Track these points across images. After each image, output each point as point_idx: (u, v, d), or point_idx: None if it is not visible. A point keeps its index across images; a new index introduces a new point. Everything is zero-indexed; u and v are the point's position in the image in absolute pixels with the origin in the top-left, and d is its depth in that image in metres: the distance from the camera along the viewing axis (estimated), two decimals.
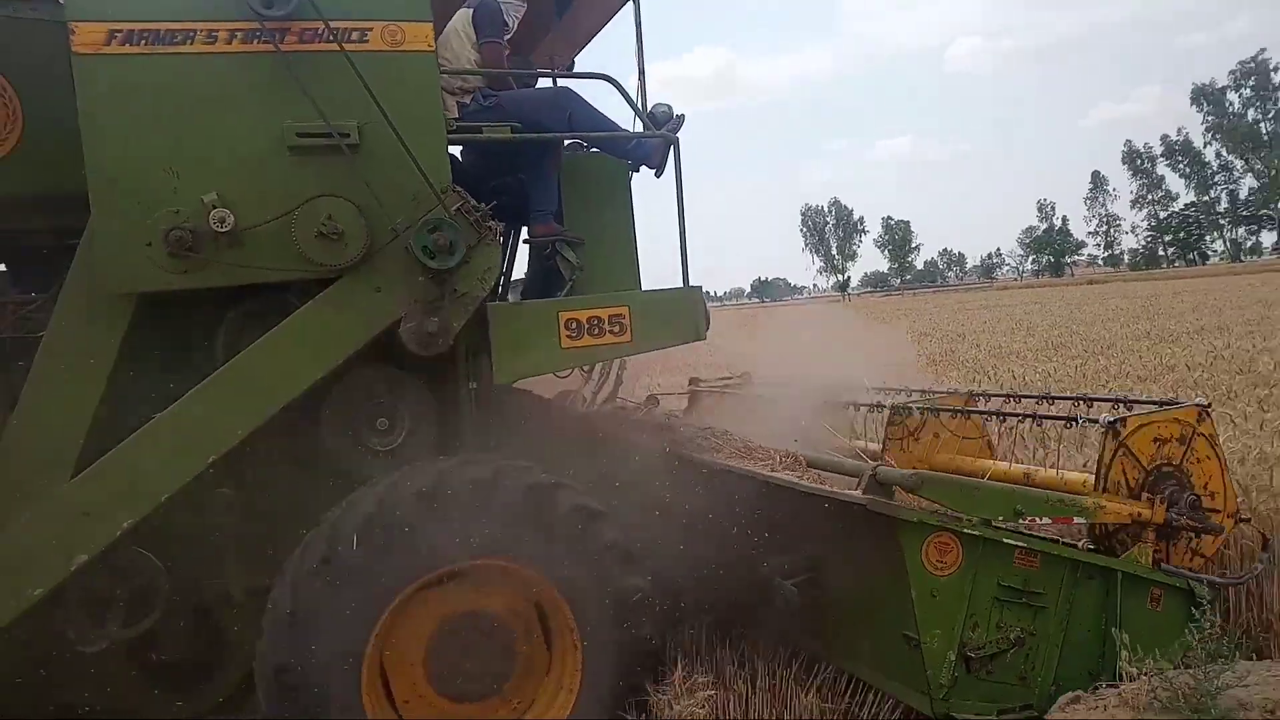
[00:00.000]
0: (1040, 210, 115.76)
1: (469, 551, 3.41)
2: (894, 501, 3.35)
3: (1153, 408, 4.05)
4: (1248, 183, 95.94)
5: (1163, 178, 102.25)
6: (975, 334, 20.20)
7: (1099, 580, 3.54)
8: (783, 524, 3.74)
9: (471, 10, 4.12)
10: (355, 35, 3.49)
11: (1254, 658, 3.78)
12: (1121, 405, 4.31)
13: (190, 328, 3.64)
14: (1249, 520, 4.23)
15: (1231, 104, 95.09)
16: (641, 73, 4.34)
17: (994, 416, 4.73)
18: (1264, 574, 4.15)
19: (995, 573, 3.40)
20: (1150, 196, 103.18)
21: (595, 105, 4.17)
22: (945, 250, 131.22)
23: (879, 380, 5.94)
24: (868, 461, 3.79)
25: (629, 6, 4.68)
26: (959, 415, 4.79)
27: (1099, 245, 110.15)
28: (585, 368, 4.93)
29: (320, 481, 3.73)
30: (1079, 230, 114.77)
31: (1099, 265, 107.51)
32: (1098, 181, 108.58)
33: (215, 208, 3.29)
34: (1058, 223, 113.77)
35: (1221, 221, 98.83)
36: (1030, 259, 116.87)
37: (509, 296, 5.03)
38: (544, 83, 4.88)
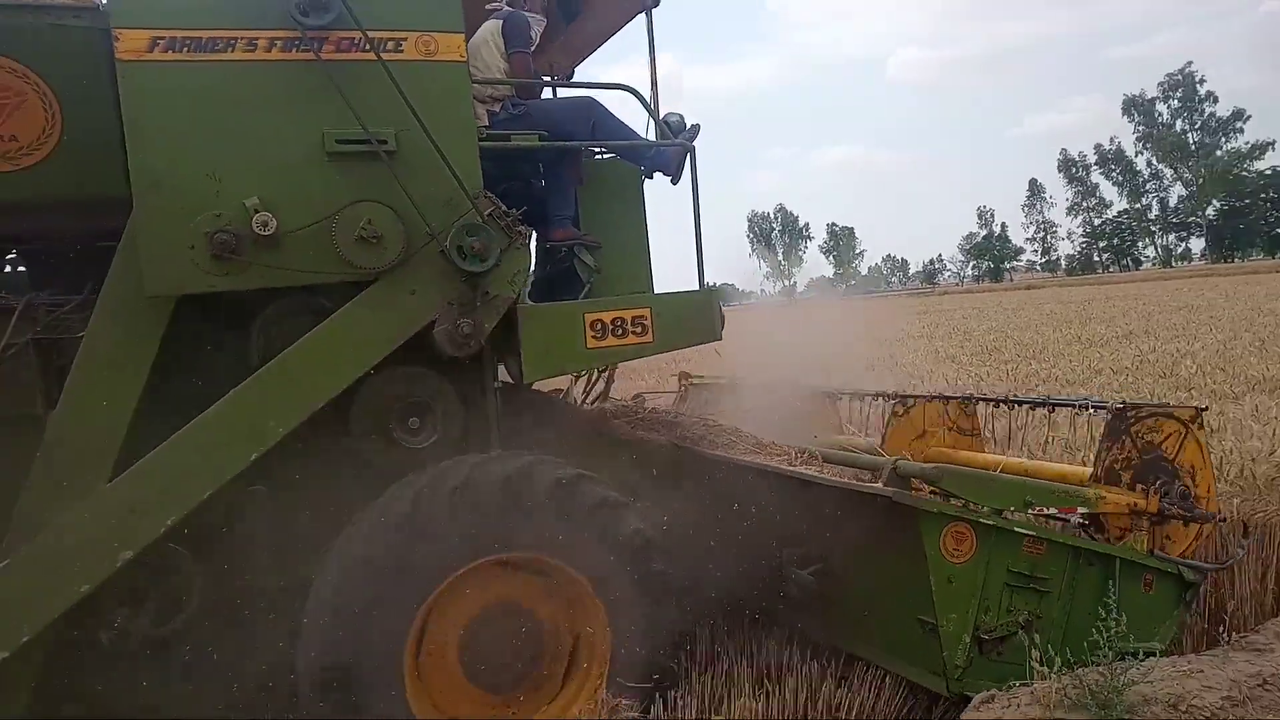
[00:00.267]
0: (980, 217, 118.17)
1: (510, 546, 3.54)
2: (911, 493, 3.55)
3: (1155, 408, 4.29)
4: (1177, 190, 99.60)
5: (1096, 185, 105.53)
6: (914, 338, 20.63)
7: (1098, 567, 3.78)
8: (803, 516, 3.90)
9: (500, 22, 4.24)
10: (391, 45, 3.59)
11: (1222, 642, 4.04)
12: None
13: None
14: (1225, 520, 4.51)
15: (1161, 114, 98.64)
16: (654, 83, 4.50)
17: (1000, 405, 4.98)
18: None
19: (1006, 559, 3.61)
20: (1085, 204, 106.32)
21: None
22: (889, 256, 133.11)
23: (839, 380, 6.17)
24: (862, 454, 4.00)
25: (632, 16, 4.85)
26: (958, 408, 5.02)
27: (1036, 251, 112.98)
28: None
29: (349, 479, 3.82)
30: (1017, 237, 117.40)
31: (1037, 271, 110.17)
32: (1035, 189, 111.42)
33: (258, 211, 3.37)
34: (997, 229, 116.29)
35: (1153, 228, 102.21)
36: (971, 265, 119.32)
37: None
38: (563, 91, 5.01)
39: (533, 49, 4.34)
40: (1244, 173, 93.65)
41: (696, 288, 4.35)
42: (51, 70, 3.42)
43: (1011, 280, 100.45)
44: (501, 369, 4.17)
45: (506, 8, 4.35)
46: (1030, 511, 3.69)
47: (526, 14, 4.27)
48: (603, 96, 4.35)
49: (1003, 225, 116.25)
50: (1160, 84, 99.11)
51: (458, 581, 3.54)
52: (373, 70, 3.50)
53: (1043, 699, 3.22)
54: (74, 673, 3.50)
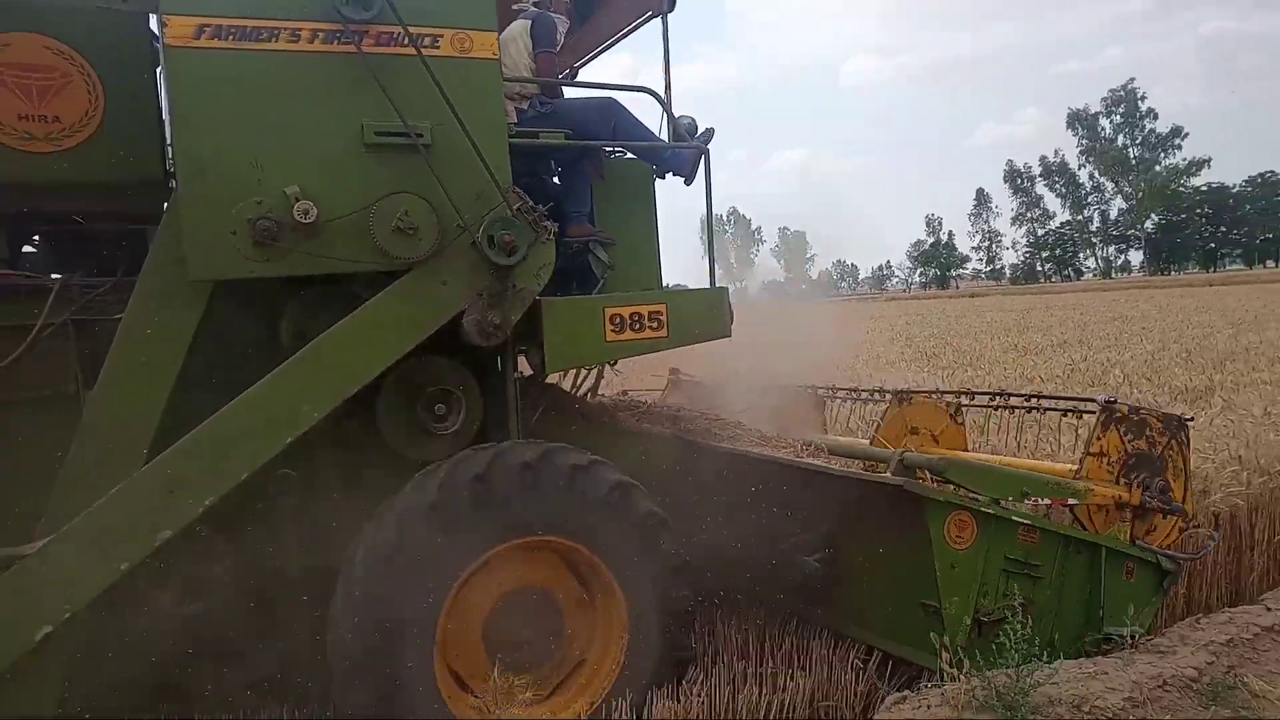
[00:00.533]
0: (928, 224, 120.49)
1: (530, 530, 3.68)
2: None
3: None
4: (1117, 204, 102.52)
5: (1041, 197, 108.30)
6: (855, 343, 20.90)
7: (1085, 555, 4.03)
8: (811, 505, 4.09)
9: (529, 22, 4.36)
10: (428, 40, 3.69)
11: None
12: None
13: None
14: (1199, 526, 4.82)
15: (1104, 129, 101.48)
16: (667, 86, 4.66)
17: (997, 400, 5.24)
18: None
19: (1003, 547, 3.84)
20: (1029, 214, 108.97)
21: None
22: (839, 261, 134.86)
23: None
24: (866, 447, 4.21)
25: (641, 21, 5.00)
26: (946, 407, 5.26)
27: (982, 260, 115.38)
28: None
29: (375, 464, 3.92)
30: (964, 245, 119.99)
31: (982, 279, 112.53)
32: (981, 199, 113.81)
33: (299, 200, 3.45)
34: (944, 237, 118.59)
35: (1094, 240, 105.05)
36: (918, 271, 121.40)
37: None
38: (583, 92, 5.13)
39: (558, 49, 4.47)
40: (1181, 188, 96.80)
41: (708, 286, 4.52)
42: (96, 53, 3.47)
43: (958, 288, 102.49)
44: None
45: (534, 8, 4.48)
46: (1026, 502, 3.92)
47: (553, 15, 4.41)
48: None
49: (950, 233, 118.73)
50: (1104, 99, 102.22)
51: (482, 566, 3.66)
52: (410, 65, 3.60)
53: (952, 700, 3.38)
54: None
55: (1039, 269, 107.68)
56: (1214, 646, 3.82)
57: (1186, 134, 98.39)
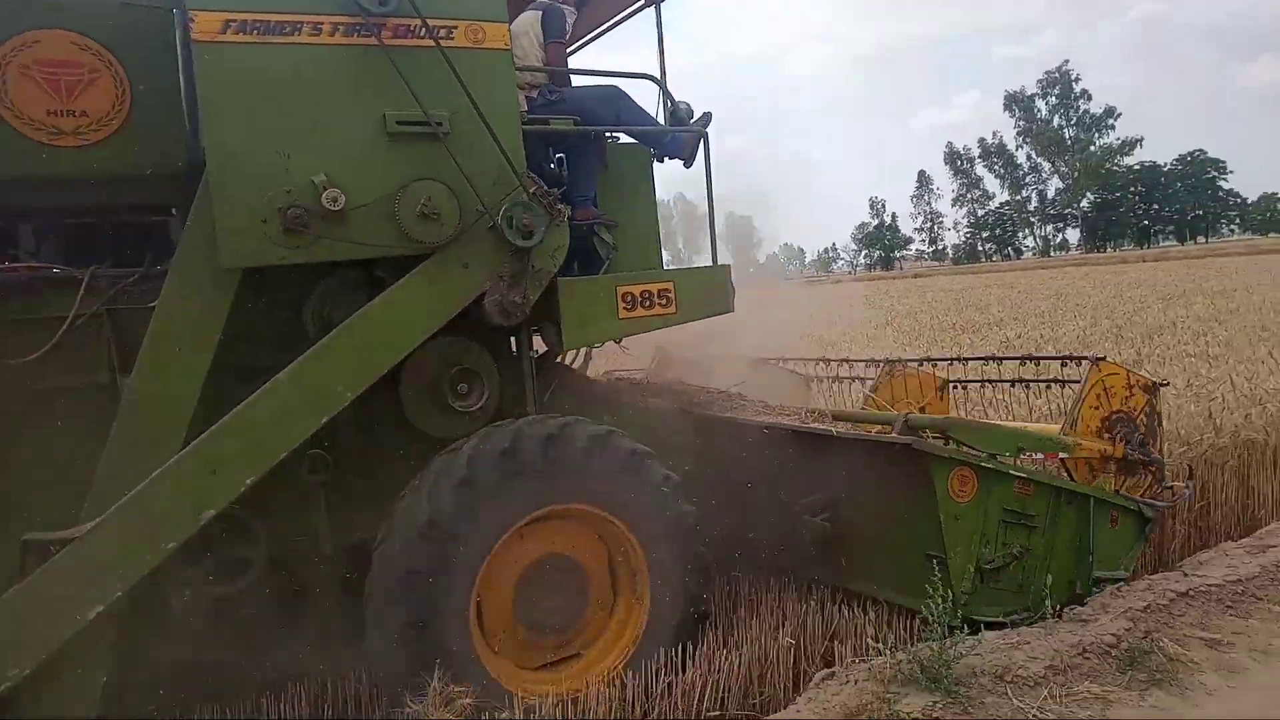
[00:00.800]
0: (872, 207, 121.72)
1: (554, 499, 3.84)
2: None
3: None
4: (1054, 183, 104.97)
5: (980, 178, 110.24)
6: (799, 323, 21.07)
7: (1076, 505, 4.30)
8: (819, 468, 4.31)
9: (540, 14, 4.50)
10: (443, 32, 3.81)
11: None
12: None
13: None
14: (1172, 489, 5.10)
15: (1040, 110, 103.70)
16: (663, 72, 4.83)
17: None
18: None
19: (1001, 499, 4.10)
20: (969, 195, 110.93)
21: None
22: (786, 245, 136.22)
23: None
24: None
25: (634, 9, 5.16)
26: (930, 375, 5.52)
27: (924, 241, 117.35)
28: None
29: (399, 443, 4.06)
30: (907, 226, 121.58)
31: (925, 260, 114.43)
32: (923, 181, 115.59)
33: (327, 188, 3.56)
34: (888, 219, 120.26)
35: (1032, 219, 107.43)
36: (863, 253, 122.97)
37: None
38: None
39: (566, 39, 4.62)
40: (1115, 167, 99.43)
41: (711, 264, 4.71)
42: (123, 48, 3.54)
43: (902, 269, 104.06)
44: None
45: (544, 0, 4.61)
46: (1022, 457, 4.19)
47: (562, 6, 4.55)
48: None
49: (893, 215, 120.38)
50: (1039, 81, 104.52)
51: (513, 535, 3.81)
52: (428, 56, 3.73)
53: (878, 674, 3.52)
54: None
55: (980, 249, 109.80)
56: (1132, 613, 3.94)
57: (1119, 114, 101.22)
